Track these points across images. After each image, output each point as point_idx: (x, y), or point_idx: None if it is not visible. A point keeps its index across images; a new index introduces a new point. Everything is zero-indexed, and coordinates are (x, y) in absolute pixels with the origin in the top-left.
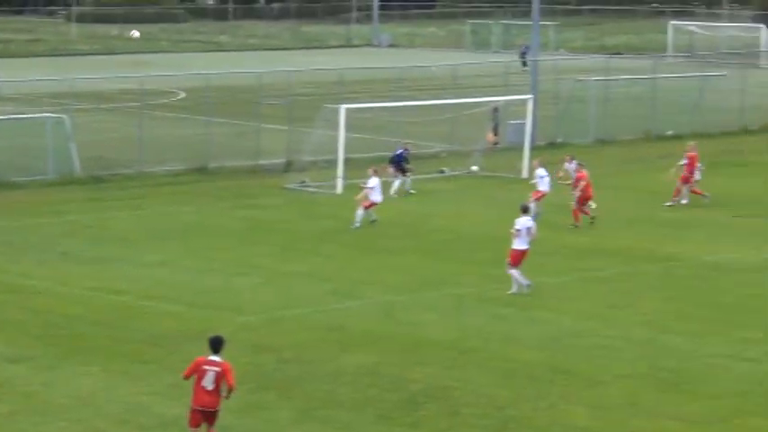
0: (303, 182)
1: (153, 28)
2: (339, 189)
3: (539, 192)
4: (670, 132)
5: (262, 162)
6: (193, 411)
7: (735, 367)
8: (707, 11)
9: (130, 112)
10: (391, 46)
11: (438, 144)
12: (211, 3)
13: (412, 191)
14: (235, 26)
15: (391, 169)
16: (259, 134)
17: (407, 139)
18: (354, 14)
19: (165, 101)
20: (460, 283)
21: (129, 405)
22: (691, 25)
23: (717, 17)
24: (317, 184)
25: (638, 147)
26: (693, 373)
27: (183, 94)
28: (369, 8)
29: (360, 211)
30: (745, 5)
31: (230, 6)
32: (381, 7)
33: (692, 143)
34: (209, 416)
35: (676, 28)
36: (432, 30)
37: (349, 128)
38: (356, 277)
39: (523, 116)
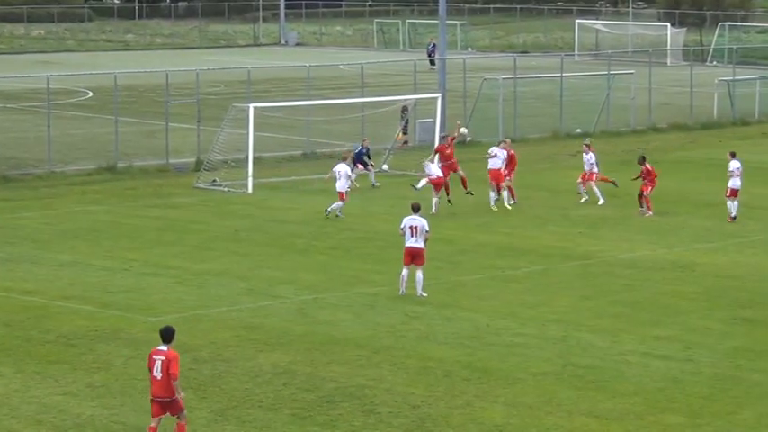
0: (214, 181)
1: (58, 27)
2: (250, 188)
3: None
4: (579, 131)
5: (171, 161)
6: (151, 402)
7: (649, 364)
8: (612, 9)
9: (38, 111)
10: (298, 45)
11: (348, 143)
12: (117, 2)
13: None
14: (141, 25)
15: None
16: (168, 133)
17: (315, 137)
18: (261, 13)
19: (73, 100)
20: (373, 282)
21: (43, 405)
22: (597, 24)
23: (622, 16)
24: (228, 183)
25: (548, 145)
26: (608, 370)
27: (90, 94)
28: (276, 7)
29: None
30: (650, 4)
31: (136, 5)
32: (288, 6)
33: (507, 140)
34: (166, 406)
35: (582, 27)
36: (339, 28)
37: (258, 127)
38: (271, 276)
39: (433, 115)
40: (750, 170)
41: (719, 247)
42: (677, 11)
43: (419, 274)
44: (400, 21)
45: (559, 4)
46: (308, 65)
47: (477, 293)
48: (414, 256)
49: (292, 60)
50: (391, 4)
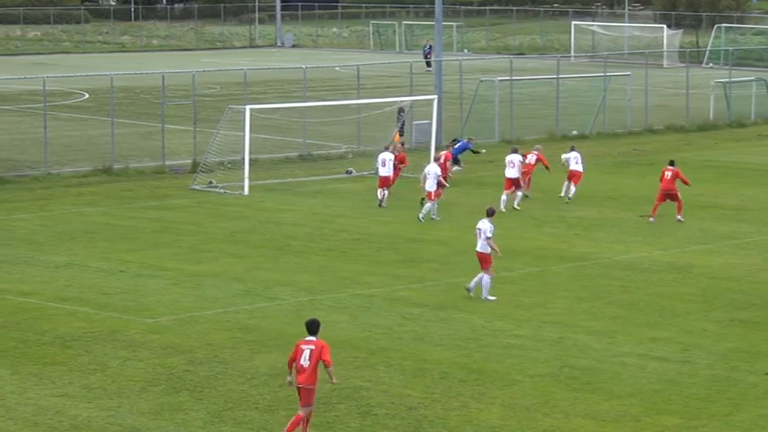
0: (210, 183)
1: (54, 29)
2: (246, 190)
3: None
4: (575, 132)
5: (168, 163)
6: (298, 391)
7: (646, 366)
8: (608, 11)
9: (34, 113)
10: (294, 46)
11: (344, 144)
12: (113, 3)
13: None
14: (137, 27)
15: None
16: (164, 135)
17: (311, 139)
18: (257, 15)
19: (69, 102)
20: (369, 284)
21: (39, 407)
22: (593, 25)
23: (618, 17)
24: (224, 184)
25: (544, 147)
26: (605, 372)
27: (86, 95)
28: (272, 8)
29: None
30: (646, 6)
31: (132, 7)
32: (284, 8)
33: (539, 147)
34: (304, 393)
35: (579, 28)
36: (335, 30)
37: (254, 128)
38: (267, 278)
39: (429, 116)
40: (746, 172)
41: (714, 248)
42: (673, 12)
43: (484, 277)
44: (396, 22)
45: (555, 5)
46: (304, 66)
47: (471, 295)
48: (479, 260)
49: (288, 62)
50: (387, 5)
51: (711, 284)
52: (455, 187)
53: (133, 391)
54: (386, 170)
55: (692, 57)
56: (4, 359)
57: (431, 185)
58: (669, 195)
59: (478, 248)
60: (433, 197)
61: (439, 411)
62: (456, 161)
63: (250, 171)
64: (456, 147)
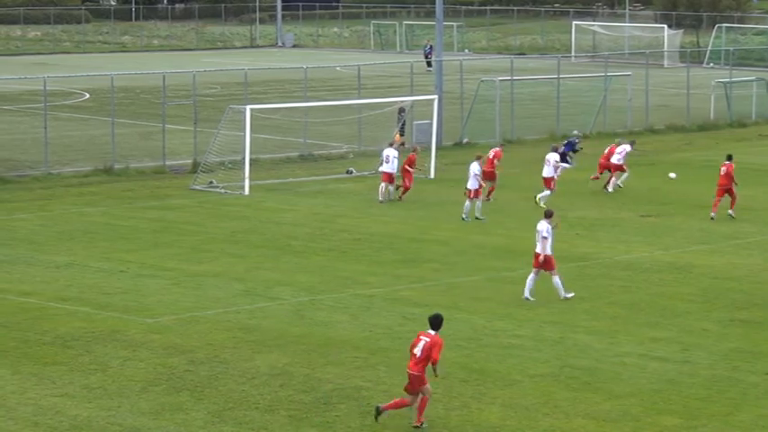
0: (210, 183)
1: (55, 29)
2: (246, 190)
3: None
4: (576, 132)
5: (168, 163)
6: (408, 376)
7: (646, 366)
8: (609, 11)
9: (35, 113)
10: (295, 46)
11: (345, 144)
12: (114, 3)
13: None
14: (138, 27)
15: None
16: (164, 135)
17: (312, 139)
18: (258, 15)
19: (70, 102)
20: (369, 284)
21: (40, 407)
22: (594, 25)
23: (619, 17)
24: (225, 184)
25: (544, 147)
26: (605, 372)
27: (87, 95)
28: (272, 9)
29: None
30: (647, 6)
31: (133, 7)
32: (285, 8)
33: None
34: (412, 380)
35: (579, 28)
36: (336, 30)
37: (255, 128)
38: (267, 278)
39: (430, 116)
40: (746, 172)
41: (716, 248)
42: (674, 12)
43: (555, 279)
44: (397, 22)
45: (556, 5)
46: (305, 66)
47: (473, 295)
48: (543, 261)
49: (289, 62)
50: (388, 5)
51: (712, 284)
52: (453, 188)
53: (134, 391)
54: (389, 166)
55: (692, 57)
56: (4, 359)
57: (472, 184)
58: (726, 190)
59: (538, 250)
60: (472, 195)
61: (440, 411)
62: (564, 159)
63: (251, 171)
64: (566, 145)
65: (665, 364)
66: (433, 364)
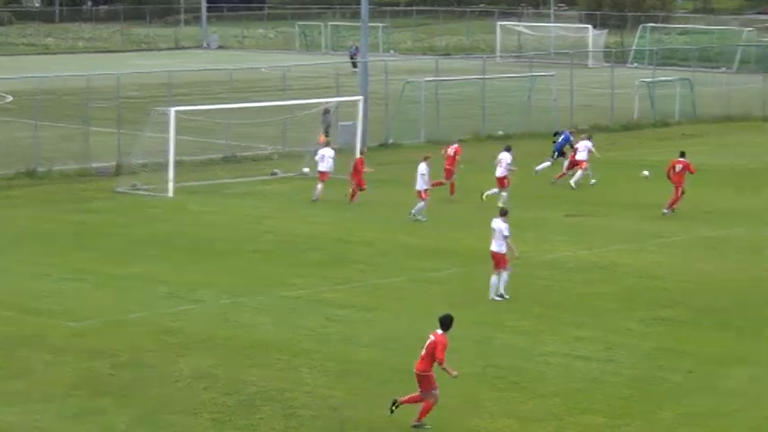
0: (134, 185)
1: None
2: (170, 192)
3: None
4: (500, 133)
5: (92, 165)
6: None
7: (570, 365)
8: (534, 11)
9: None
10: (220, 48)
11: (270, 146)
12: (38, 5)
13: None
14: (61, 28)
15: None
16: (88, 137)
17: (237, 141)
18: (183, 16)
19: None
20: (294, 285)
21: None
22: (519, 26)
23: (544, 18)
24: (149, 187)
25: (469, 147)
26: (530, 371)
27: (10, 98)
28: (197, 10)
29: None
30: (571, 6)
31: (57, 9)
32: (210, 9)
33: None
34: (418, 379)
35: (504, 29)
36: (261, 31)
37: (179, 130)
38: (191, 280)
39: (355, 117)
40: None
41: (640, 247)
42: (598, 12)
43: (503, 274)
44: (322, 23)
45: (481, 6)
46: (230, 68)
47: (397, 295)
48: (494, 260)
49: (214, 63)
50: (313, 6)
51: (636, 283)
52: (379, 188)
53: (57, 396)
54: (325, 165)
55: (617, 57)
56: None
57: (420, 185)
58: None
59: (493, 248)
60: (424, 196)
61: (364, 412)
62: (561, 153)
63: (175, 173)
64: (559, 140)
65: (588, 364)
66: (439, 363)
